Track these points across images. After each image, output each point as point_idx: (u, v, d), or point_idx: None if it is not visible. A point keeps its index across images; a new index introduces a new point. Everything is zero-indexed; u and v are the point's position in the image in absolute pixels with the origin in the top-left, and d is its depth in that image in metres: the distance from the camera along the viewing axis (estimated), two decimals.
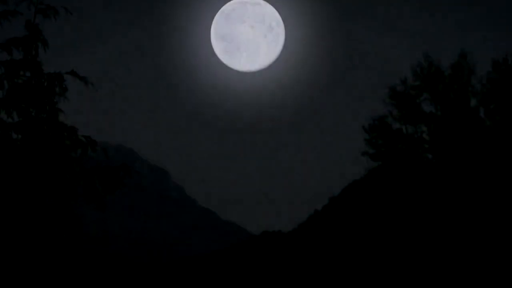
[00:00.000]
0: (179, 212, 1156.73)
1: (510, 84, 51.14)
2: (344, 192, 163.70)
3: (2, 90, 15.30)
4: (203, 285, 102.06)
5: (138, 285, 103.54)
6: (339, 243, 75.40)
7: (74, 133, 15.05)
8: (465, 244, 46.52)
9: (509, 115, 50.68)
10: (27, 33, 15.76)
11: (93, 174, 14.50)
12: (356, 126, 64.86)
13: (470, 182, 50.13)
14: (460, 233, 47.85)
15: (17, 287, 13.78)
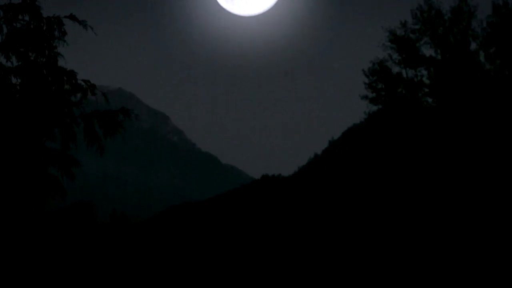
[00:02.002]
0: (179, 156, 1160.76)
1: (510, 27, 50.81)
2: (344, 136, 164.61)
3: (1, 34, 15.28)
4: (206, 229, 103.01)
5: (139, 231, 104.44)
6: (339, 186, 76.02)
7: (73, 77, 15.08)
8: (464, 187, 46.83)
9: (509, 58, 50.51)
10: None
11: (93, 118, 14.61)
12: (356, 70, 64.66)
13: (470, 126, 50.24)
14: (458, 174, 48.12)
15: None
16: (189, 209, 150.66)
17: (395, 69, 57.12)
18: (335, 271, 45.69)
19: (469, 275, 36.87)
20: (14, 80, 14.71)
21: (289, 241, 65.24)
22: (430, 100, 55.85)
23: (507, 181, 44.67)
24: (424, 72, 55.90)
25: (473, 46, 53.38)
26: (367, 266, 43.95)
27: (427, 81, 55.86)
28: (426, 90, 55.68)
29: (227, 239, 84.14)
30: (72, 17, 15.91)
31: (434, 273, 37.30)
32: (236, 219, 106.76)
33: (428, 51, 56.27)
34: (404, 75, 56.75)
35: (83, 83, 15.15)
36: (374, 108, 57.21)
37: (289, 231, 71.37)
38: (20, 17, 15.46)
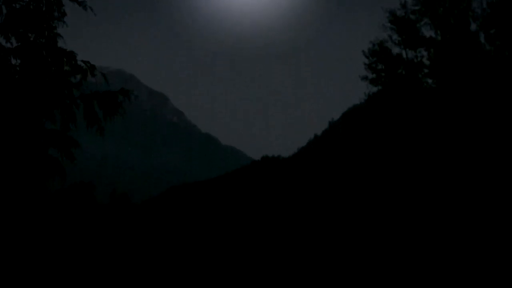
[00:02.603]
0: (179, 137, 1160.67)
1: (510, 8, 50.67)
2: (344, 117, 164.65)
3: (0, 15, 15.26)
4: (206, 211, 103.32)
5: (139, 212, 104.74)
6: (338, 166, 76.16)
7: (73, 58, 15.08)
8: (464, 166, 46.92)
9: (509, 40, 50.43)
10: None
11: (92, 99, 14.65)
12: (357, 51, 64.51)
13: (470, 106, 50.26)
14: (459, 154, 48.17)
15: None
16: (190, 190, 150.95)
17: (395, 50, 57.11)
18: (335, 250, 45.87)
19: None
20: (13, 61, 14.71)
21: (288, 221, 65.50)
22: (430, 81, 55.85)
23: (508, 163, 44.70)
24: (424, 53, 55.90)
25: (473, 27, 53.34)
26: (366, 245, 44.12)
27: (427, 62, 55.84)
28: (426, 71, 55.66)
29: (227, 218, 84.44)
30: None
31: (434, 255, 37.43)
32: (236, 199, 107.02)
33: (428, 32, 56.23)
34: (404, 56, 56.73)
35: (82, 64, 15.14)
36: (374, 89, 57.22)
37: (287, 211, 71.62)
38: None
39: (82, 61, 15.11)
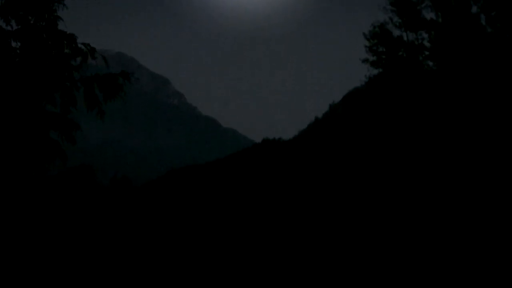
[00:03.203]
0: (180, 119, 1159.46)
1: None
2: (344, 100, 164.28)
3: None
4: (207, 193, 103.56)
5: (139, 194, 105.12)
6: (337, 148, 76.22)
7: (73, 41, 15.07)
8: (464, 150, 46.99)
9: (509, 22, 50.31)
10: None
11: (93, 81, 14.66)
12: (357, 34, 64.40)
13: (471, 89, 50.25)
14: (459, 138, 48.23)
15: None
16: (189, 173, 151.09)
17: (396, 32, 57.05)
18: (335, 227, 46.16)
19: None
20: (13, 44, 14.71)
21: (286, 203, 65.72)
22: (430, 63, 55.81)
23: (507, 143, 44.78)
24: (425, 35, 55.83)
25: (474, 9, 53.19)
26: (365, 221, 44.40)
27: (427, 44, 55.79)
28: (427, 53, 55.61)
29: (226, 201, 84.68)
30: None
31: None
32: (237, 182, 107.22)
33: (429, 14, 56.13)
34: (405, 38, 56.68)
35: (83, 47, 15.12)
36: (375, 71, 57.20)
37: (287, 193, 71.84)
38: None
39: (83, 43, 15.11)
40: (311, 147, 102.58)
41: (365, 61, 56.98)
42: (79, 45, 15.03)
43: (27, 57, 14.52)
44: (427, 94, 53.31)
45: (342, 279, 29.14)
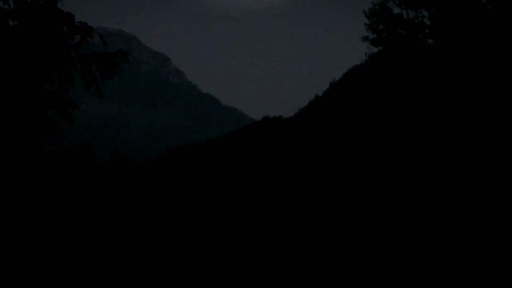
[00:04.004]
0: (180, 97, 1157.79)
1: None
2: (344, 77, 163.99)
3: None
4: (208, 171, 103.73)
5: (138, 173, 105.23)
6: (339, 127, 76.34)
7: (71, 19, 15.04)
8: (464, 128, 47.04)
9: (510, 0, 50.16)
10: None
11: (90, 60, 14.65)
12: (357, 12, 64.18)
13: (471, 67, 50.22)
14: (459, 114, 48.29)
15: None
16: (190, 151, 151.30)
17: (396, 10, 56.87)
18: (334, 204, 46.42)
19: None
20: (11, 23, 14.68)
21: (286, 181, 65.95)
22: (430, 41, 55.73)
23: (506, 122, 44.84)
24: (425, 13, 55.67)
25: None
26: (364, 198, 44.62)
27: (428, 22, 55.65)
28: (427, 31, 55.49)
29: (227, 177, 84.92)
30: None
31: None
32: (237, 160, 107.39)
33: None
34: (405, 16, 56.53)
35: (80, 26, 15.09)
36: (375, 49, 57.14)
37: (286, 171, 72.05)
38: None
39: (80, 22, 15.07)
40: (310, 125, 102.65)
41: (365, 39, 56.90)
42: (76, 24, 15.00)
43: (24, 36, 14.51)
44: (427, 72, 53.27)
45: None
